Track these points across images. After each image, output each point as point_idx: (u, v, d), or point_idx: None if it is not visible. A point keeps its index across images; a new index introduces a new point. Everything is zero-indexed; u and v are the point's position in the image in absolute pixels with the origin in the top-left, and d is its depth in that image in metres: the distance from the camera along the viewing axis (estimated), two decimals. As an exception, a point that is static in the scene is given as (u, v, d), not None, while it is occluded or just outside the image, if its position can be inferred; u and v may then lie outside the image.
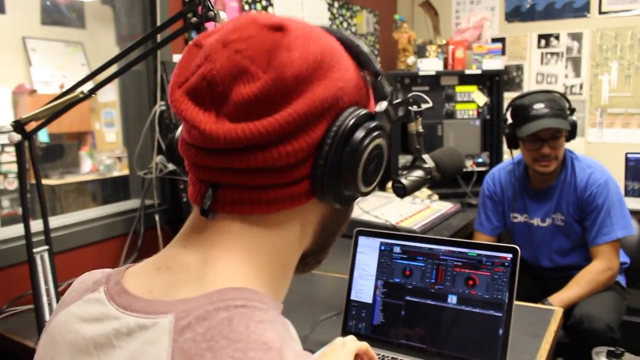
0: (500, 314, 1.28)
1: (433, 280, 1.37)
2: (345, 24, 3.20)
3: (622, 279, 2.21)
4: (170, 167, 2.01)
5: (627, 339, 2.05)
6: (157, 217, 2.01)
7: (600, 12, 3.23)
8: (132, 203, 2.11)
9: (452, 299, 1.34)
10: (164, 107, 2.02)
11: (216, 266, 0.54)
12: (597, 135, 3.28)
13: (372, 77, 0.61)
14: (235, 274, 0.54)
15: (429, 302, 1.36)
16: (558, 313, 1.58)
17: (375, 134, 0.56)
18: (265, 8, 2.61)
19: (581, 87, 3.31)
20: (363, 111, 0.56)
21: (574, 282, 2.05)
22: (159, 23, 2.04)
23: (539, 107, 2.03)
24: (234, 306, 0.50)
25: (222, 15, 1.14)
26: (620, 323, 2.02)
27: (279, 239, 0.57)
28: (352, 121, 0.54)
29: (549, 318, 1.55)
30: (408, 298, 1.38)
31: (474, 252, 1.33)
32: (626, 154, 2.95)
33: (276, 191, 0.55)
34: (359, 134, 0.55)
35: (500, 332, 1.27)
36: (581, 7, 3.27)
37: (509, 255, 1.30)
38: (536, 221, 2.24)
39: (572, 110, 2.13)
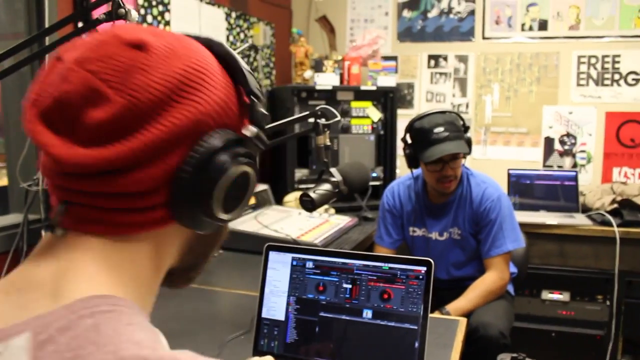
0: (415, 327, 1.28)
1: (347, 295, 1.34)
2: (242, 35, 3.14)
3: (510, 288, 2.35)
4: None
5: (514, 343, 2.17)
6: (43, 233, 1.82)
7: (484, 38, 3.45)
8: (12, 218, 1.89)
9: (368, 314, 1.32)
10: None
11: (75, 278, 0.51)
12: (482, 152, 3.49)
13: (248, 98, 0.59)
14: (97, 283, 0.52)
15: (343, 317, 1.33)
16: (463, 323, 1.63)
17: (236, 160, 0.55)
18: (161, 14, 2.49)
19: (467, 106, 3.51)
20: (226, 136, 0.54)
21: (469, 292, 2.13)
22: (47, 20, 1.87)
23: (439, 130, 2.10)
24: (99, 312, 0.48)
25: (134, 14, 1.05)
26: (511, 329, 2.13)
27: (137, 257, 0.55)
28: (211, 147, 0.53)
29: (454, 328, 1.59)
30: (322, 314, 1.35)
31: (388, 265, 1.33)
32: (508, 170, 3.16)
33: (131, 215, 0.53)
34: (219, 160, 0.53)
35: (417, 344, 1.27)
36: (467, 31, 3.48)
37: (423, 269, 1.31)
38: (434, 235, 2.32)
39: (467, 129, 2.23)
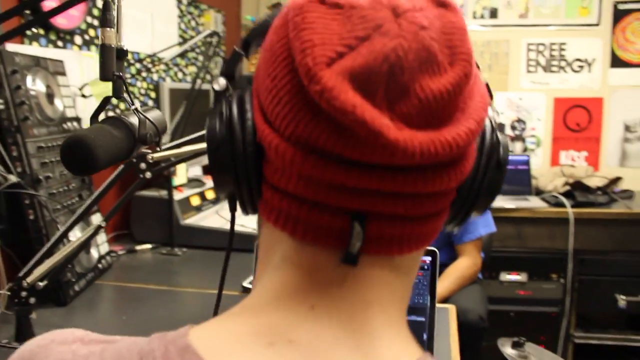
0: (423, 319, 1.26)
1: (349, 290, 1.30)
2: (193, 23, 3.01)
3: (479, 273, 2.38)
4: (13, 178, 1.68)
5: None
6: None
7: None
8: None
9: (372, 308, 1.28)
10: (2, 106, 1.68)
11: (380, 332, 0.40)
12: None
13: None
14: (406, 340, 0.42)
15: (346, 313, 1.29)
16: (452, 311, 1.62)
17: (507, 143, 0.46)
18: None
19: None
20: (495, 116, 0.46)
21: (444, 279, 2.14)
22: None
23: None
24: None
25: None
26: (488, 312, 2.16)
27: (409, 284, 0.45)
28: (497, 131, 0.45)
29: (446, 317, 1.58)
30: (323, 311, 1.30)
31: (391, 257, 1.29)
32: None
33: (434, 222, 0.42)
34: (503, 144, 0.45)
35: (425, 336, 1.25)
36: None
37: (428, 258, 1.28)
38: (405, 222, 2.31)
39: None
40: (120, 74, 0.89)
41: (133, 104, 0.90)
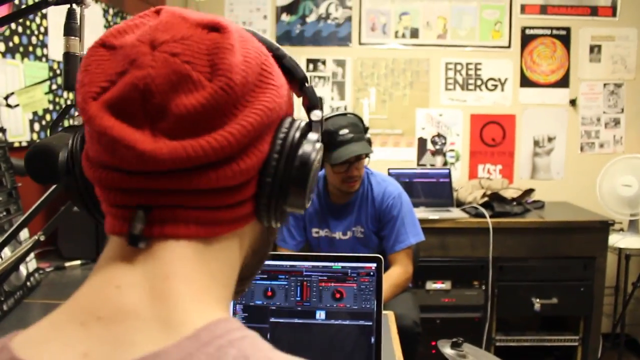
0: (370, 323, 1.31)
1: (298, 298, 1.33)
2: (120, 34, 2.95)
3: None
4: None
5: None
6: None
7: (360, 43, 3.59)
8: None
9: (321, 315, 1.32)
10: None
11: (181, 301, 0.44)
12: (363, 153, 3.62)
13: (296, 85, 0.57)
14: (208, 307, 0.46)
15: (296, 321, 1.32)
16: (391, 316, 1.69)
17: (319, 145, 0.52)
18: (35, 6, 2.25)
19: (345, 109, 3.63)
20: (303, 122, 0.52)
21: (378, 287, 2.21)
22: None
23: (344, 132, 2.15)
24: (236, 339, 0.42)
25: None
26: (421, 318, 2.25)
27: (225, 263, 0.50)
28: (298, 133, 0.51)
29: (386, 322, 1.64)
30: (273, 319, 1.32)
31: (338, 265, 1.34)
32: (389, 169, 3.32)
33: (221, 213, 0.48)
34: (307, 146, 0.51)
35: (372, 340, 1.30)
36: (344, 37, 3.60)
37: (373, 265, 1.34)
38: (338, 235, 2.37)
39: (366, 129, 2.31)
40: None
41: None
